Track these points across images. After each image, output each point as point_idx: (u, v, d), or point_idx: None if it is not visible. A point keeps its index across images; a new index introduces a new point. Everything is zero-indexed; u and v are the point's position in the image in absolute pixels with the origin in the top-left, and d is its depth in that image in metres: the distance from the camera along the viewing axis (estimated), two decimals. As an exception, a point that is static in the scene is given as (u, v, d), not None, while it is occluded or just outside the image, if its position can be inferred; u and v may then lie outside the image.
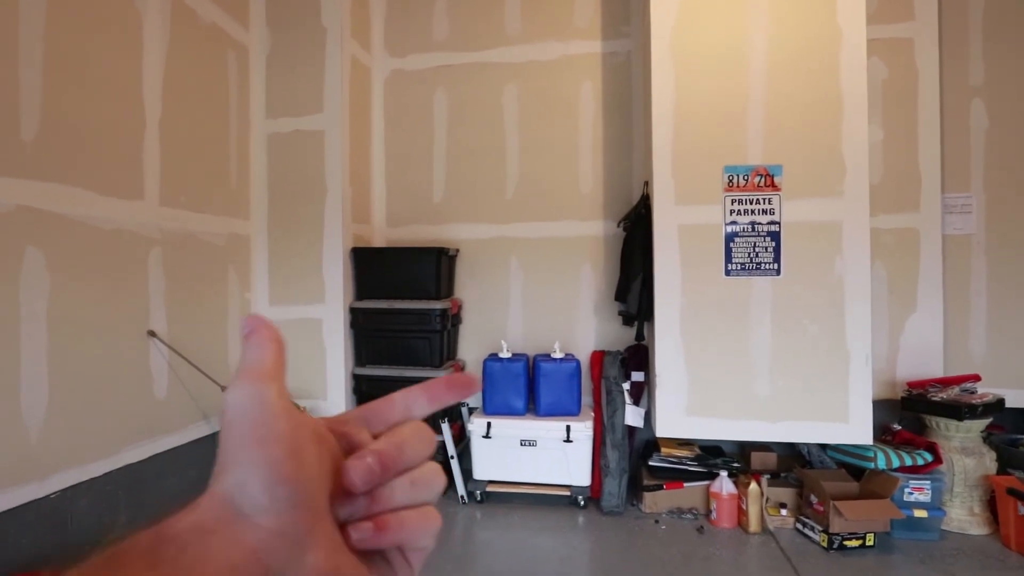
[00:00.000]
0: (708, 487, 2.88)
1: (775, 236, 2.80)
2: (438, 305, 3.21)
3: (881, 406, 3.02)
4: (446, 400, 0.33)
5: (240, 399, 0.26)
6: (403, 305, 3.23)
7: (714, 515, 2.80)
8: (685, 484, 2.94)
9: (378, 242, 3.73)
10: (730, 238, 2.84)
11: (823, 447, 2.95)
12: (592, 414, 3.11)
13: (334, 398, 3.25)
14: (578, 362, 3.15)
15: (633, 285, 3.07)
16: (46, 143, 2.03)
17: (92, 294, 2.22)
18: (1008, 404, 2.86)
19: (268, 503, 0.24)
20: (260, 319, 0.29)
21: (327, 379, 3.26)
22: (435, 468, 0.31)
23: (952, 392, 2.83)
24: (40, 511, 2.01)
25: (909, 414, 2.97)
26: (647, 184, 3.15)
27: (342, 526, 0.27)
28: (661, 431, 2.89)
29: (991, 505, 2.68)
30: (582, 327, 3.52)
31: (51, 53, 2.05)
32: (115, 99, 2.34)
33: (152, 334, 2.51)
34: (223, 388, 2.82)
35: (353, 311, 3.29)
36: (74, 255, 2.15)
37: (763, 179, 2.81)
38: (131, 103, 2.43)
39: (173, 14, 2.67)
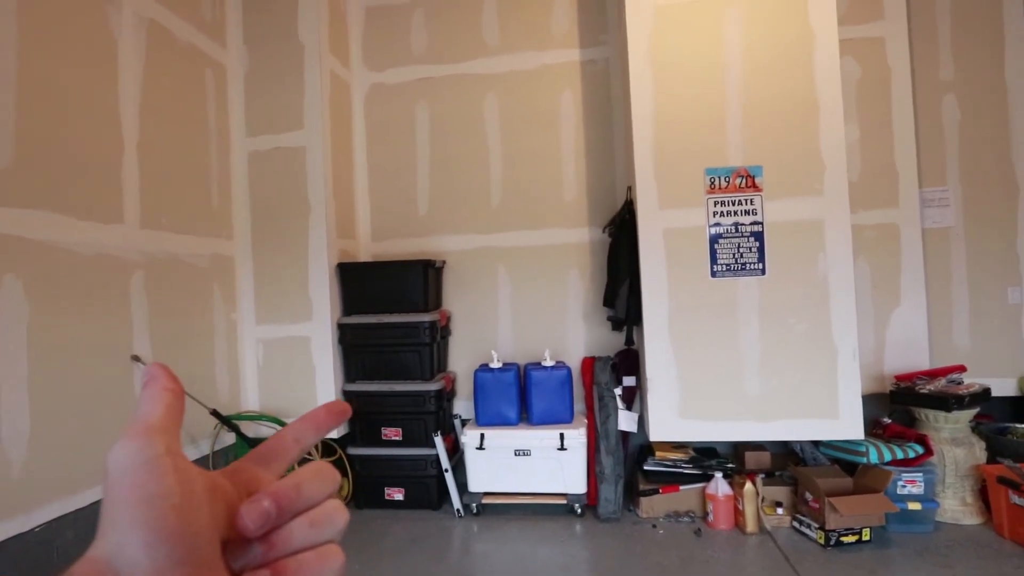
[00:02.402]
0: (704, 489, 2.88)
1: (759, 236, 2.82)
2: (427, 318, 3.20)
3: (870, 400, 3.05)
4: (329, 425, 0.33)
5: (122, 457, 0.25)
6: (391, 319, 3.21)
7: (711, 517, 2.80)
8: (681, 487, 2.93)
9: (364, 257, 3.71)
10: (714, 240, 2.86)
11: (816, 444, 2.96)
12: (585, 421, 3.10)
13: (325, 416, 3.21)
14: (569, 369, 3.15)
15: (620, 290, 3.08)
16: (21, 169, 2.00)
17: (73, 320, 2.19)
18: (994, 393, 2.90)
19: (148, 562, 0.23)
20: (159, 369, 0.28)
21: (317, 397, 3.23)
22: (336, 505, 0.30)
23: (939, 384, 2.86)
24: (25, 545, 1.96)
25: (898, 407, 3.00)
26: (630, 189, 3.17)
27: None
28: (655, 435, 2.89)
29: (983, 494, 2.70)
30: (572, 334, 3.52)
31: (24, 77, 2.03)
32: (92, 122, 2.32)
33: (136, 359, 2.47)
34: (212, 411, 2.78)
35: (341, 327, 3.26)
36: (53, 282, 2.11)
37: (744, 180, 2.84)
38: (108, 125, 2.41)
39: (148, 35, 2.65)
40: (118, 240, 2.42)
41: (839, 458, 2.87)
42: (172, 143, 2.79)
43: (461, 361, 3.60)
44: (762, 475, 2.89)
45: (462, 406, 3.55)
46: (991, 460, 2.77)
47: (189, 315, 2.86)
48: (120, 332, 2.42)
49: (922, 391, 2.84)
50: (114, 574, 0.23)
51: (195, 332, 2.90)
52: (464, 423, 3.32)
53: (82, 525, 2.18)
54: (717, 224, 2.86)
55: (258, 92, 3.30)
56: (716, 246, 2.85)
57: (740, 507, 2.74)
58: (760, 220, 2.82)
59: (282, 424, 3.01)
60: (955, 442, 2.74)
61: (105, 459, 0.25)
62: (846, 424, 2.74)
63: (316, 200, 3.23)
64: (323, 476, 0.30)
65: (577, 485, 2.99)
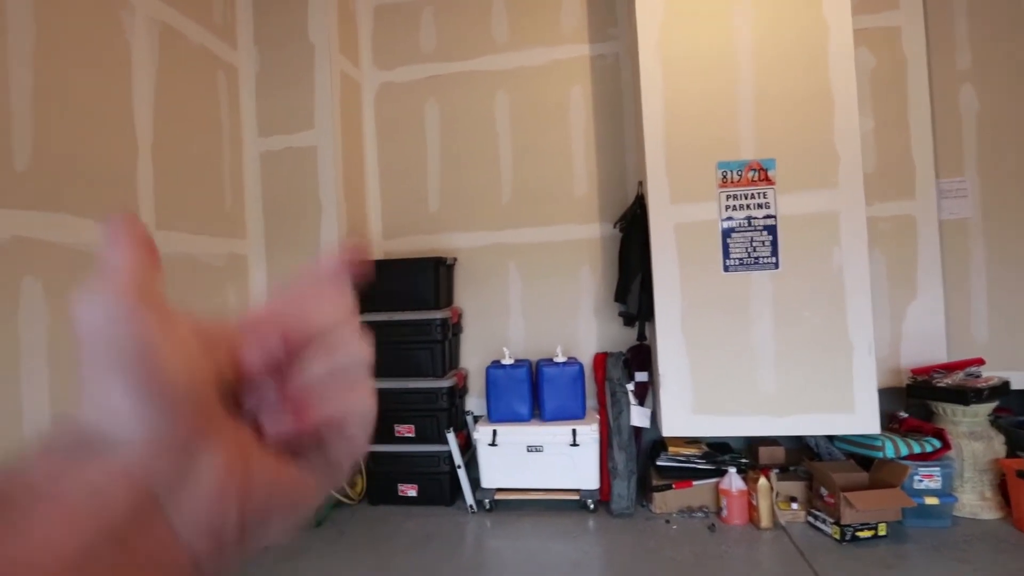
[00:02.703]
0: (717, 484, 2.87)
1: (772, 230, 2.80)
2: (438, 315, 3.21)
3: (886, 394, 3.01)
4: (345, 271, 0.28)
5: (91, 312, 0.21)
6: (403, 317, 3.23)
7: (725, 512, 2.79)
8: (694, 482, 2.93)
9: (375, 255, 3.73)
10: (727, 234, 2.84)
11: (831, 439, 2.94)
12: (597, 417, 3.10)
13: (339, 413, 3.24)
14: (581, 365, 3.15)
15: (632, 285, 3.07)
16: (39, 173, 2.04)
17: (92, 321, 2.22)
18: (1014, 386, 2.86)
19: (134, 414, 0.20)
20: (124, 218, 0.23)
21: (331, 394, 3.26)
22: (350, 329, 0.26)
23: (957, 377, 2.82)
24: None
25: (915, 401, 2.97)
26: (641, 184, 3.15)
27: (254, 422, 0.23)
28: (667, 430, 2.88)
29: (1002, 489, 2.67)
30: (583, 330, 3.52)
31: (41, 82, 2.06)
32: (107, 125, 2.35)
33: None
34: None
35: (354, 325, 3.28)
36: (72, 283, 2.15)
37: (757, 173, 2.82)
38: (123, 128, 2.44)
39: (161, 38, 2.68)
40: (134, 241, 2.45)
41: (854, 453, 2.84)
42: (185, 145, 2.82)
43: (473, 358, 3.61)
44: (776, 470, 2.87)
45: (474, 403, 3.57)
46: (1011, 454, 2.73)
47: (204, 314, 2.89)
48: (137, 332, 2.45)
49: (939, 385, 2.80)
50: (101, 440, 0.20)
51: (210, 331, 2.93)
52: (476, 420, 3.34)
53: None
54: (729, 218, 2.83)
55: (269, 93, 3.32)
56: (729, 240, 2.83)
57: (754, 502, 2.73)
58: (773, 214, 2.80)
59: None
60: (973, 436, 2.71)
61: (72, 317, 0.21)
62: (862, 418, 2.71)
63: (327, 199, 3.25)
64: (327, 295, 0.26)
65: (590, 481, 2.99)
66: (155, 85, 2.63)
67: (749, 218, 2.82)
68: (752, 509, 2.75)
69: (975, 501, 2.68)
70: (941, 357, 3.12)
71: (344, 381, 0.25)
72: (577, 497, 3.01)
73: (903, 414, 2.95)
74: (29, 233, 2.00)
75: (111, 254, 0.23)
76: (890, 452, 2.66)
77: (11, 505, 0.18)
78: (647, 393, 3.22)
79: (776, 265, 2.79)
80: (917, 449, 2.64)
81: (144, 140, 2.54)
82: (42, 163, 2.05)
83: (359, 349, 0.26)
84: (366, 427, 0.26)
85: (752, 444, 3.12)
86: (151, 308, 0.21)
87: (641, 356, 3.23)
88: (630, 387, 3.06)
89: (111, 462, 0.20)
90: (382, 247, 3.75)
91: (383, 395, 3.23)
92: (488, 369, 3.19)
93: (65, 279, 2.12)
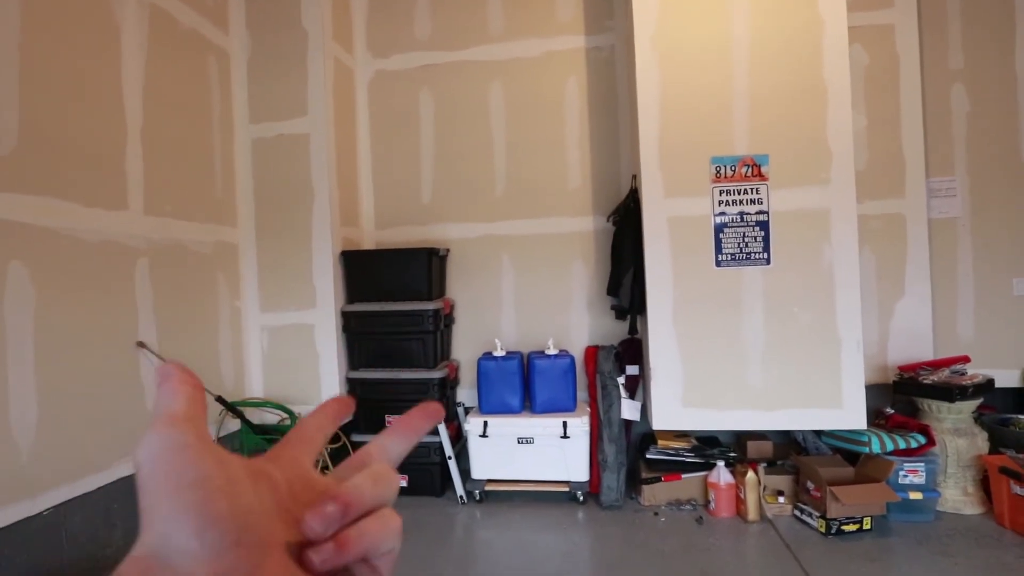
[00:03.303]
0: (706, 478, 2.89)
1: (764, 226, 2.81)
2: (430, 306, 3.20)
3: (873, 391, 3.05)
4: (343, 415, 0.34)
5: (152, 448, 0.24)
6: (395, 307, 3.21)
7: (712, 505, 2.81)
8: (683, 475, 2.95)
9: (368, 244, 3.71)
10: (719, 229, 2.85)
11: (818, 433, 2.97)
12: (588, 409, 3.11)
13: (329, 403, 3.23)
14: (572, 358, 3.16)
15: (624, 279, 3.08)
16: (25, 156, 2.00)
17: (79, 307, 2.19)
18: (997, 384, 2.90)
19: (200, 548, 0.22)
20: (172, 366, 0.27)
21: (321, 384, 3.25)
22: (387, 467, 0.30)
23: (942, 374, 2.86)
24: (33, 529, 1.98)
25: (901, 398, 3.00)
26: (635, 178, 3.15)
27: (300, 553, 0.26)
28: (657, 424, 2.90)
29: (984, 484, 2.71)
30: (575, 323, 3.52)
31: (27, 64, 2.02)
32: (95, 108, 2.31)
33: (142, 345, 2.49)
34: (217, 398, 2.80)
35: (345, 315, 3.27)
36: (59, 268, 2.12)
37: (750, 169, 2.83)
38: (111, 112, 2.40)
39: (151, 21, 2.64)
40: (123, 227, 2.42)
41: (841, 448, 2.88)
42: (176, 130, 2.78)
43: (465, 349, 3.61)
44: (764, 464, 2.90)
45: (466, 394, 3.57)
46: (993, 450, 2.77)
47: (194, 302, 2.86)
48: (125, 319, 2.42)
49: (925, 382, 2.84)
50: (163, 566, 0.22)
51: (200, 319, 2.91)
52: (468, 411, 3.34)
53: (90, 509, 2.20)
54: (722, 213, 2.84)
55: (261, 79, 3.28)
56: (721, 235, 2.84)
57: (742, 495, 2.75)
58: (766, 209, 2.81)
59: (287, 411, 3.03)
60: (957, 432, 2.74)
61: (134, 455, 0.24)
62: (849, 414, 2.74)
63: (320, 187, 3.22)
64: (385, 480, 0.30)
65: (580, 473, 3.01)
66: (145, 68, 2.58)
67: (742, 213, 2.83)
68: (740, 502, 2.78)
69: (958, 496, 2.73)
70: (927, 354, 3.16)
71: (379, 516, 0.28)
72: (567, 489, 3.02)
73: (889, 410, 2.98)
74: (15, 217, 1.96)
75: (164, 397, 0.26)
76: (876, 447, 2.69)
77: None
78: (638, 386, 3.24)
79: (767, 261, 2.81)
80: (903, 445, 2.68)
81: (133, 124, 2.50)
82: (28, 145, 2.01)
83: (395, 484, 0.29)
84: (392, 559, 0.28)
85: (740, 438, 3.15)
86: (204, 443, 0.25)
87: (632, 350, 3.24)
88: (621, 380, 3.07)
89: None
90: (374, 237, 3.73)
91: (374, 385, 3.23)
92: (480, 361, 3.18)
93: (52, 264, 2.09)
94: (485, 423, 3.06)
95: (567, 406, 3.10)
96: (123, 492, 2.36)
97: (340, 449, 3.03)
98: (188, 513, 0.22)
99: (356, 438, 3.21)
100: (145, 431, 0.25)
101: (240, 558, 0.23)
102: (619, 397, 3.03)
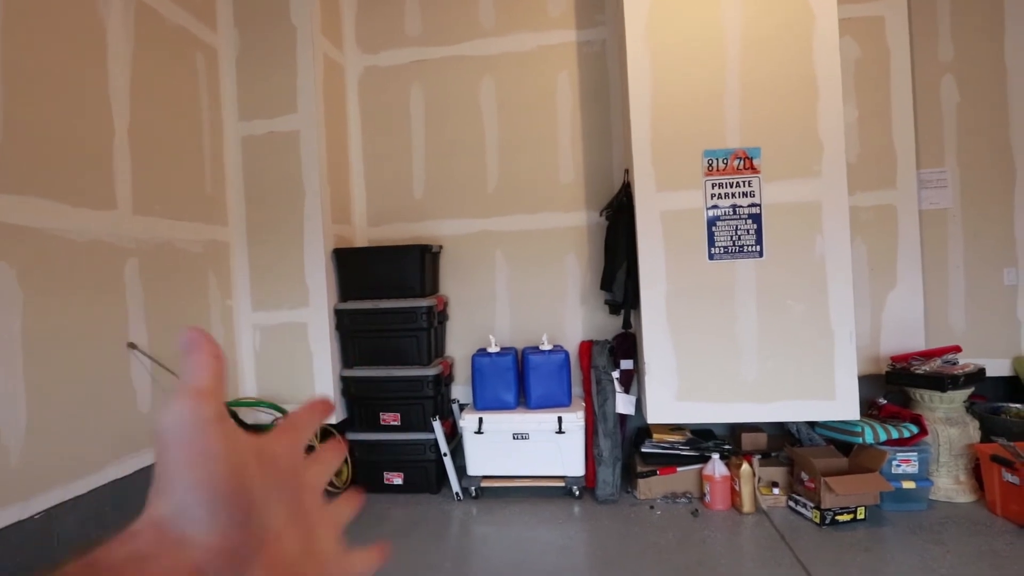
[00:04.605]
0: (701, 470, 2.90)
1: (756, 218, 2.82)
2: (424, 303, 3.19)
3: (866, 381, 3.07)
4: (324, 413, 0.36)
5: (176, 419, 0.25)
6: (388, 304, 3.20)
7: (708, 498, 2.82)
8: (678, 469, 2.96)
9: (360, 242, 3.69)
10: (712, 222, 2.85)
11: (812, 425, 2.99)
12: (583, 404, 3.12)
13: (323, 401, 3.21)
14: (567, 353, 3.15)
15: (618, 274, 3.08)
16: (10, 154, 1.97)
17: (68, 308, 2.17)
18: (989, 373, 2.93)
19: (211, 522, 0.24)
20: (200, 333, 0.29)
21: (314, 383, 3.23)
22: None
23: (934, 364, 2.87)
24: (25, 532, 1.96)
25: (894, 388, 3.02)
26: (628, 172, 3.15)
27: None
28: (652, 417, 2.90)
29: (976, 473, 2.74)
30: (569, 318, 3.52)
31: (10, 62, 1.99)
32: (81, 106, 2.28)
33: (132, 346, 2.46)
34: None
35: (338, 313, 3.25)
36: (47, 269, 2.09)
37: (742, 162, 2.83)
38: (98, 110, 2.37)
39: (137, 17, 2.60)
40: (111, 227, 2.39)
41: (835, 439, 2.89)
42: (164, 128, 2.75)
43: (459, 346, 3.60)
44: (758, 456, 2.91)
45: (460, 391, 3.56)
46: (985, 439, 2.80)
47: (184, 302, 2.84)
48: (116, 319, 2.40)
49: (917, 372, 2.86)
50: (175, 533, 0.23)
51: (191, 319, 2.89)
52: (462, 408, 3.33)
53: (82, 511, 2.19)
54: (715, 206, 2.84)
55: (250, 76, 3.25)
56: (714, 229, 2.84)
57: (737, 488, 2.76)
58: (758, 202, 2.81)
59: (281, 410, 3.02)
60: (949, 422, 2.77)
61: (158, 420, 0.25)
62: (842, 405, 2.75)
63: (311, 185, 3.20)
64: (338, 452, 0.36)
65: (575, 468, 3.01)
66: (131, 66, 2.55)
67: (734, 206, 2.83)
68: (735, 494, 2.79)
69: (950, 485, 2.75)
70: (919, 344, 3.18)
71: (329, 444, 0.35)
72: (563, 484, 3.03)
73: (882, 400, 3.00)
74: (1, 217, 1.93)
75: (193, 368, 0.27)
76: (869, 438, 2.71)
77: None
78: (632, 381, 3.24)
79: (760, 253, 2.81)
80: (895, 435, 2.70)
81: (120, 122, 2.47)
82: (13, 144, 1.98)
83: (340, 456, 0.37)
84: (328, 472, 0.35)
85: (735, 431, 3.16)
86: (224, 421, 0.26)
87: (626, 344, 3.25)
88: (615, 375, 3.07)
89: (186, 562, 0.23)
90: (367, 234, 3.71)
91: (368, 383, 3.21)
92: (474, 357, 3.18)
93: (40, 265, 2.06)
94: (480, 419, 3.05)
95: (562, 401, 3.10)
96: (116, 495, 2.34)
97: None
98: (203, 487, 0.24)
99: (351, 436, 3.21)
100: (171, 398, 0.26)
101: (245, 537, 0.25)
102: (614, 391, 3.03)
